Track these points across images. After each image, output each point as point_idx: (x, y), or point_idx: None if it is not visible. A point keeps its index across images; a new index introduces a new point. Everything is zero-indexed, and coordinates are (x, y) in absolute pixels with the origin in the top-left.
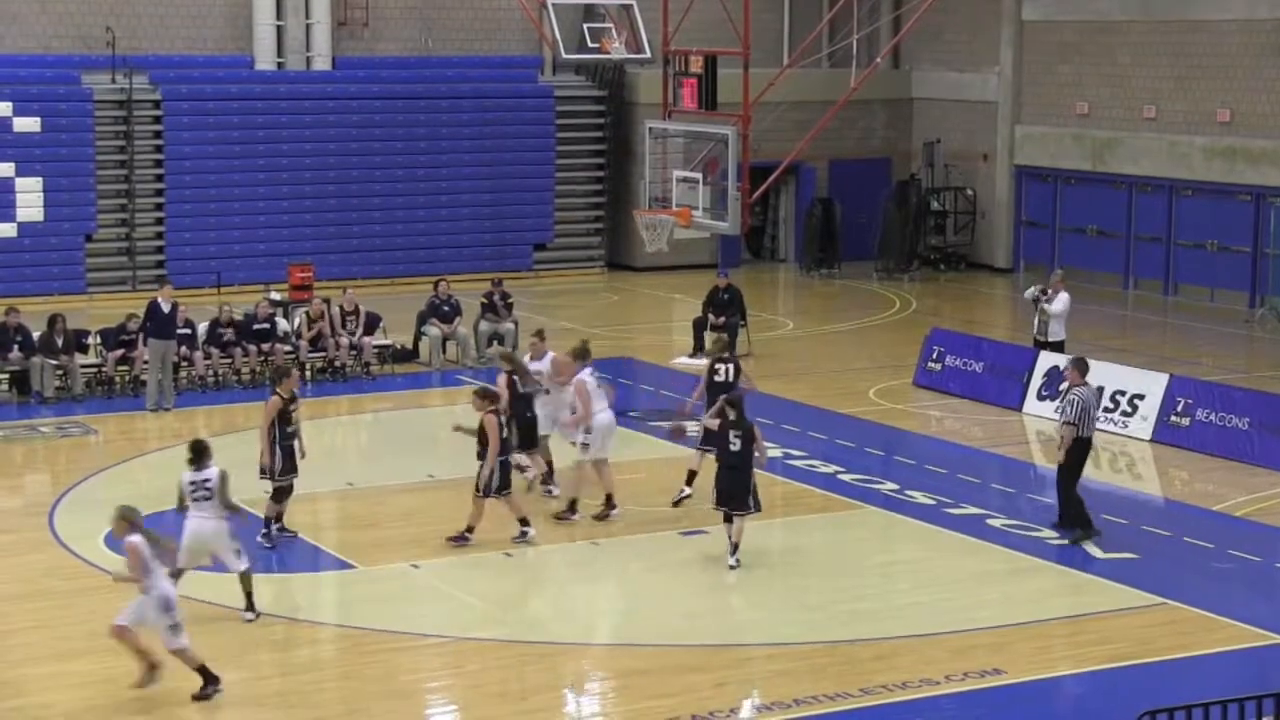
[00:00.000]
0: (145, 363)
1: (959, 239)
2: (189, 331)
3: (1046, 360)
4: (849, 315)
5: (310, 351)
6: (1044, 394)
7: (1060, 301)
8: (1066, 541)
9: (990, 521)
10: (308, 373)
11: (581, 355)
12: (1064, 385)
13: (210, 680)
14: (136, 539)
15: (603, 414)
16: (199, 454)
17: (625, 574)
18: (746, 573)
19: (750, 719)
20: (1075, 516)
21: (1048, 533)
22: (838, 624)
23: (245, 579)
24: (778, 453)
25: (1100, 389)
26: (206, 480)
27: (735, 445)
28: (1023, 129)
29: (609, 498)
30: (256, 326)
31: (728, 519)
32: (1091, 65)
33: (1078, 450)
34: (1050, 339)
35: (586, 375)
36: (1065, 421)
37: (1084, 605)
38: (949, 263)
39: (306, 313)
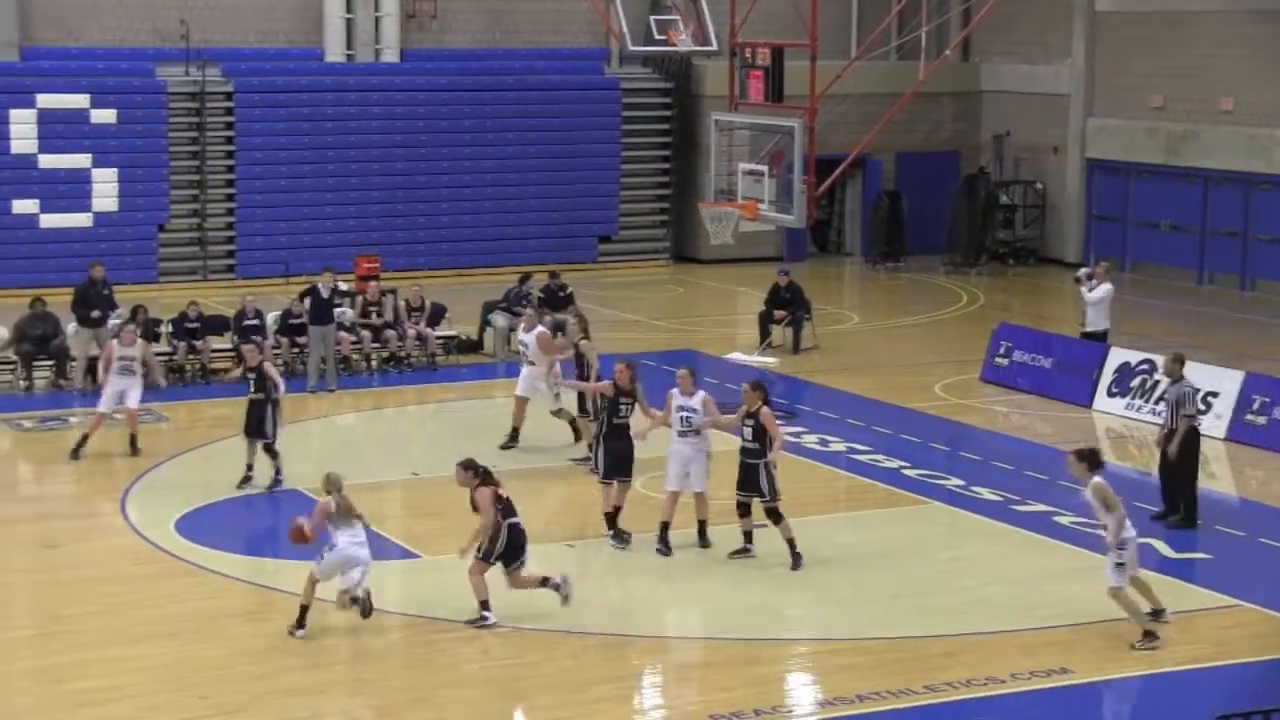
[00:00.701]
0: (215, 351)
1: (1028, 233)
2: (257, 322)
3: (1117, 357)
4: (915, 309)
5: (373, 342)
6: (1114, 390)
7: (1101, 291)
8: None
9: (1058, 519)
10: (372, 362)
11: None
12: (1160, 378)
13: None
14: (328, 500)
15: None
16: None
17: (687, 566)
18: (811, 567)
19: (813, 713)
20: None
21: None
22: (902, 620)
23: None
24: (842, 447)
25: (1198, 391)
26: None
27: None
28: (1094, 122)
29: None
30: (292, 321)
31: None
32: (1166, 57)
33: (1198, 440)
34: (1089, 329)
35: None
36: (1185, 414)
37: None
38: (1017, 257)
39: (364, 297)
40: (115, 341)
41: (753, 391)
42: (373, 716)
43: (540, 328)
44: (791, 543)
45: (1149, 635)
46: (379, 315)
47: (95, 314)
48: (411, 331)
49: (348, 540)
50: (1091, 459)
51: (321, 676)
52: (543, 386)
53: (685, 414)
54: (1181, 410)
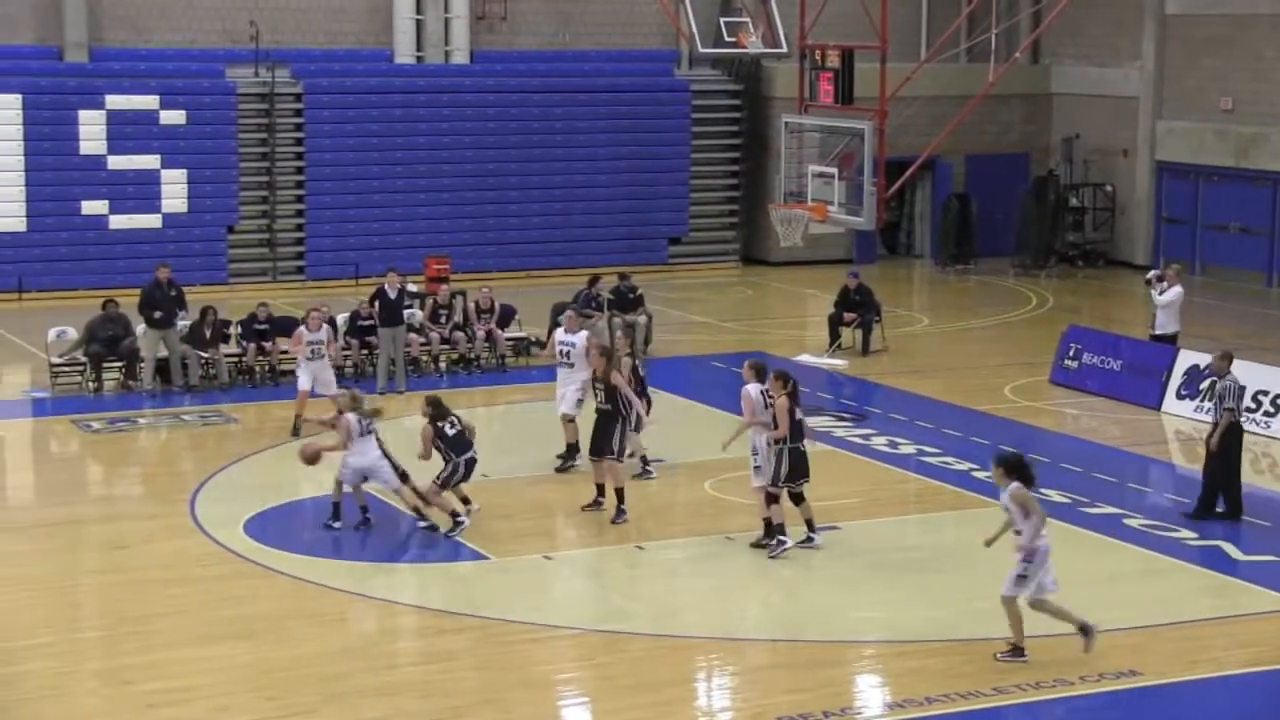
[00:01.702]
0: (284, 353)
1: (1098, 235)
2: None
3: (1186, 359)
4: (985, 312)
5: (441, 343)
6: (1183, 393)
7: (1171, 294)
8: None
9: (1127, 521)
10: (442, 364)
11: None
12: (1210, 377)
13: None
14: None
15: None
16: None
17: (755, 568)
18: (880, 569)
19: (881, 715)
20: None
21: (1186, 533)
22: (971, 622)
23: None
24: (912, 449)
25: (1243, 389)
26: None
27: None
28: (1164, 124)
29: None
30: (361, 322)
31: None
32: (1236, 59)
33: (1238, 435)
34: (1158, 331)
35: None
36: (1226, 408)
37: (1224, 608)
38: (1087, 259)
39: (434, 299)
40: (303, 328)
41: (600, 358)
42: (445, 718)
43: (585, 331)
44: (600, 488)
45: (1016, 650)
46: (448, 317)
47: (158, 314)
48: (481, 333)
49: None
50: (1009, 465)
51: (392, 678)
52: (569, 392)
53: (564, 347)
54: (1223, 404)
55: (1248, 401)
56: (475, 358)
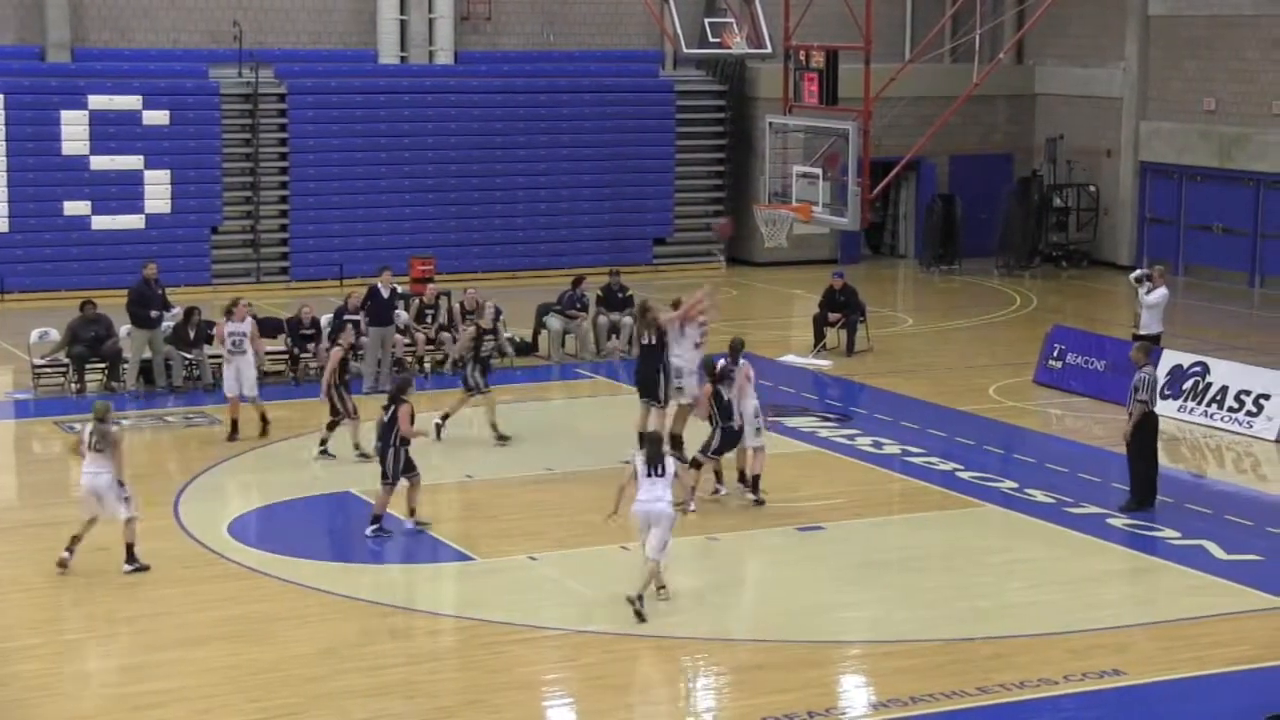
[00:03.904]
0: (268, 354)
1: (1081, 236)
2: (313, 331)
3: (1170, 359)
4: (969, 312)
5: (426, 344)
6: (1167, 393)
7: (1157, 295)
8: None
9: (1111, 521)
10: (426, 365)
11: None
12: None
13: None
14: None
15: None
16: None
17: (742, 569)
18: (865, 569)
19: (866, 715)
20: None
21: (1170, 532)
22: (955, 622)
23: None
24: (896, 449)
25: (1224, 388)
26: None
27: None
28: (1148, 125)
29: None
30: (346, 317)
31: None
32: (1219, 60)
33: (1153, 425)
34: (1143, 332)
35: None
36: (1139, 399)
37: (1207, 607)
38: (1071, 259)
39: (420, 299)
40: (225, 319)
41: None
42: (430, 719)
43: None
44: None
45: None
46: (434, 318)
47: (154, 314)
48: (420, 337)
49: None
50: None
51: (377, 679)
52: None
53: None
54: (1136, 395)
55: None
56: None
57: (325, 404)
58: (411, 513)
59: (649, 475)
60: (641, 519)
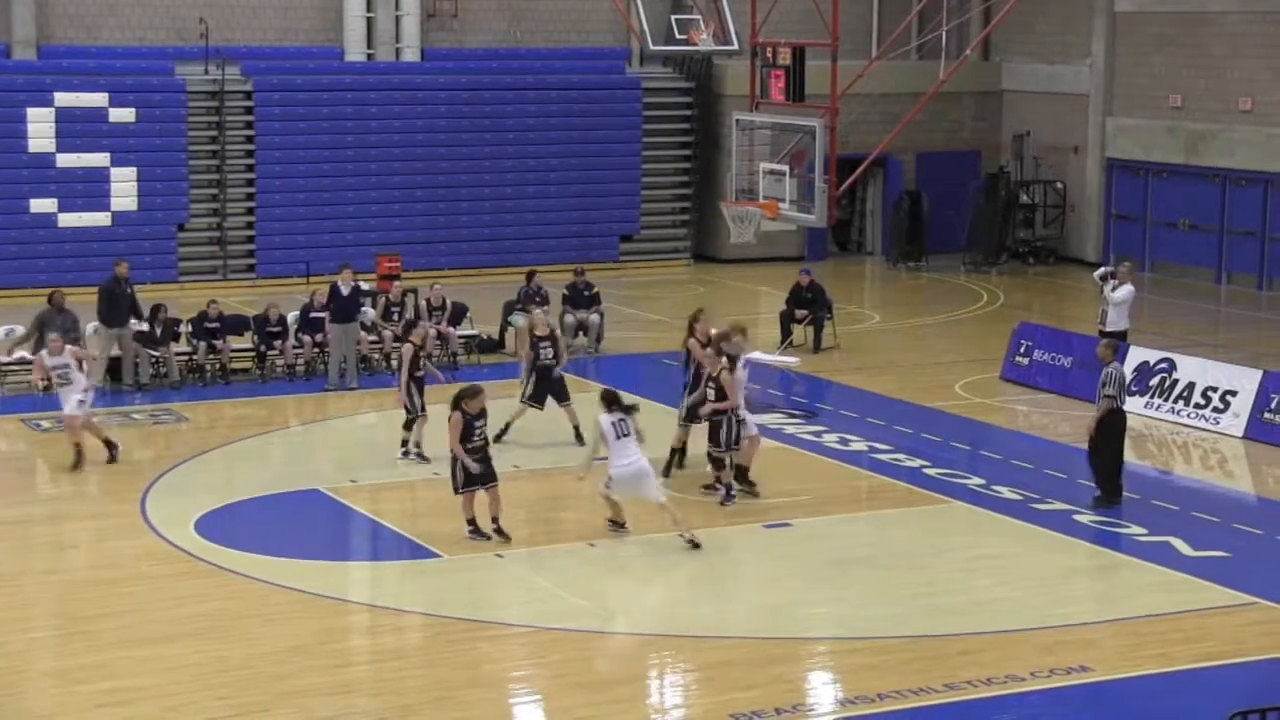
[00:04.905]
0: (235, 351)
1: (1048, 232)
2: (280, 329)
3: (1137, 356)
4: (936, 308)
5: (394, 341)
6: (1133, 389)
7: (1123, 291)
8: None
9: (1077, 517)
10: (393, 361)
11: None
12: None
13: None
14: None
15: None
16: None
17: (709, 565)
18: (832, 566)
19: (834, 712)
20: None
21: (1137, 529)
22: (922, 618)
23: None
24: (863, 446)
25: (1191, 385)
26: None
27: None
28: (1114, 121)
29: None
30: (313, 315)
31: None
32: (1185, 57)
33: (1119, 421)
34: (1110, 329)
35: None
36: (1107, 395)
37: (1174, 603)
38: (1038, 256)
39: (386, 297)
40: (44, 354)
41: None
42: (396, 716)
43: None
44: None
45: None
46: (400, 315)
47: (133, 323)
48: (432, 331)
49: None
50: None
51: (343, 676)
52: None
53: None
54: (1104, 391)
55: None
56: (428, 355)
57: (402, 404)
58: (494, 521)
59: (618, 438)
60: (628, 482)
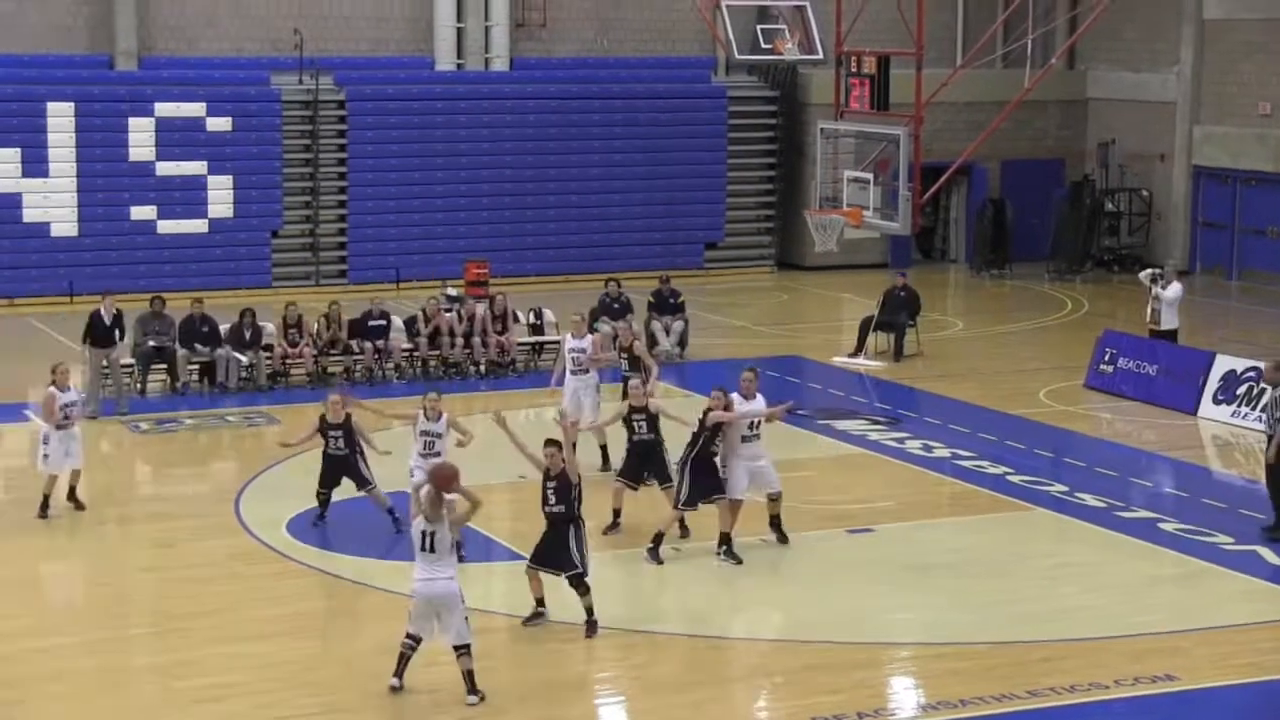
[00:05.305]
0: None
1: (1133, 240)
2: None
3: (1223, 364)
4: (1020, 316)
5: (429, 349)
6: (1220, 398)
7: (1174, 290)
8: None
9: (1162, 526)
10: (480, 367)
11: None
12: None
13: None
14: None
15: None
16: None
17: (793, 571)
18: (914, 572)
19: (916, 717)
20: None
21: (1222, 538)
22: (1005, 625)
23: None
24: (946, 452)
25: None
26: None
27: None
28: (1201, 129)
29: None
30: (372, 324)
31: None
32: (1275, 64)
33: None
34: (1163, 327)
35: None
36: (1277, 418)
37: (1261, 612)
38: (1122, 264)
39: (423, 310)
40: (53, 389)
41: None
42: (482, 716)
43: (591, 335)
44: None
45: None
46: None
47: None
48: (494, 340)
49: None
50: None
51: (431, 676)
52: (585, 401)
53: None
54: (1275, 414)
55: None
56: (511, 361)
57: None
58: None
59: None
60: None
